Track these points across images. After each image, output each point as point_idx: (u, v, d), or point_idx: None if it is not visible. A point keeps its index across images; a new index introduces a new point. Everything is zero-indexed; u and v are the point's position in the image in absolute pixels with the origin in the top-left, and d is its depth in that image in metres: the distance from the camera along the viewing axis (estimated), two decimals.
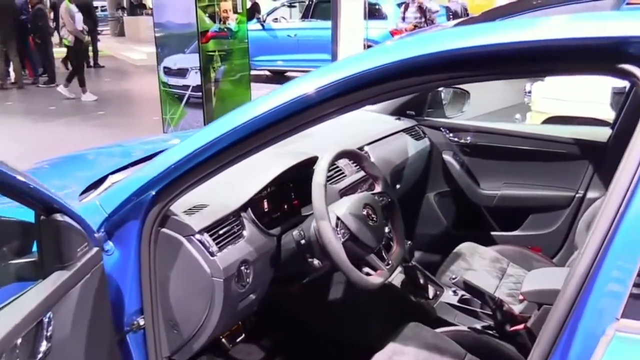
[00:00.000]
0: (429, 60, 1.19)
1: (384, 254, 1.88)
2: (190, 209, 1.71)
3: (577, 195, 2.75)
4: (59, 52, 12.56)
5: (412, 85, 1.28)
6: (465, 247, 2.62)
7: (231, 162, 1.49)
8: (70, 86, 10.41)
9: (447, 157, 2.98)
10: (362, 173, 2.29)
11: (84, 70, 10.54)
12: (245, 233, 1.77)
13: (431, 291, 2.25)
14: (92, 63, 14.16)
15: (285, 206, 2.08)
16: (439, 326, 2.06)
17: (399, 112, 3.02)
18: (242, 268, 1.71)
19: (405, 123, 2.95)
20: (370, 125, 2.79)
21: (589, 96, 4.58)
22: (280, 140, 1.45)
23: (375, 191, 2.01)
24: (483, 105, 3.13)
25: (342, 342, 2.32)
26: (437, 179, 3.04)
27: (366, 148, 2.53)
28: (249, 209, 1.82)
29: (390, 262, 1.88)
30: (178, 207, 1.68)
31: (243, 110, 1.45)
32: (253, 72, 12.34)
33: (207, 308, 1.67)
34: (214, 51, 6.90)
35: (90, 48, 13.63)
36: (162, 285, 1.71)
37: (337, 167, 2.28)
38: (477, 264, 2.52)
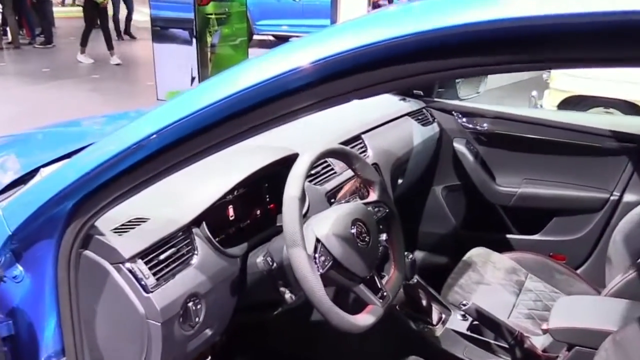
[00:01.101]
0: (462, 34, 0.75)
1: (377, 281, 1.49)
2: (121, 226, 1.32)
3: (611, 198, 2.35)
4: (60, 12, 12.04)
5: (432, 72, 0.83)
6: (476, 253, 2.24)
7: (176, 167, 1.09)
8: (88, 50, 9.91)
9: (459, 145, 2.56)
10: None
11: (90, 32, 9.92)
12: (195, 257, 1.38)
13: (435, 314, 1.87)
14: (122, 31, 12.96)
15: (258, 212, 1.68)
16: None
17: (404, 92, 2.59)
18: (190, 304, 1.33)
19: (412, 105, 2.53)
20: (369, 108, 2.36)
21: (620, 74, 4.11)
22: (242, 140, 1.05)
23: (369, 200, 1.60)
24: (493, 77, 2.69)
25: None
26: (446, 171, 2.63)
27: (363, 137, 2.11)
28: (204, 223, 1.42)
29: (384, 292, 1.49)
30: (106, 222, 1.29)
31: (193, 95, 1.04)
32: (257, 37, 11.92)
33: (143, 355, 1.29)
34: (211, 14, 6.49)
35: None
36: (88, 322, 1.33)
37: (326, 162, 1.87)
38: (490, 276, 2.13)
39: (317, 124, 2.06)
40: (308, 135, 1.85)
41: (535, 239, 2.50)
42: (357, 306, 1.44)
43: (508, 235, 2.54)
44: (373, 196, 1.61)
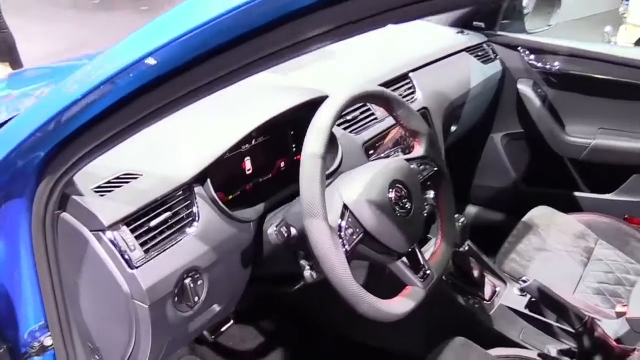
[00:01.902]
0: None
1: (419, 257, 1.22)
2: (106, 184, 1.08)
3: None
4: None
5: None
6: (539, 214, 1.94)
7: (160, 113, 0.84)
8: None
9: (524, 87, 2.21)
10: None
11: None
12: (196, 223, 1.14)
13: (489, 287, 1.60)
14: None
15: (282, 165, 1.42)
16: (495, 345, 1.43)
17: (462, 24, 2.24)
18: (188, 281, 1.10)
19: (471, 39, 2.18)
20: (419, 42, 2.04)
21: None
22: (246, 77, 0.78)
23: (413, 155, 1.31)
24: (564, 10, 2.31)
25: (357, 344, 1.73)
26: (508, 116, 2.29)
27: (412, 76, 1.80)
28: (209, 180, 1.17)
29: (428, 270, 1.22)
30: (88, 178, 1.06)
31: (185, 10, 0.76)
32: None
33: (132, 338, 1.08)
34: None
35: None
36: (72, 294, 1.12)
37: (366, 106, 1.58)
38: (554, 241, 1.84)
39: (355, 61, 1.76)
40: (344, 74, 1.55)
41: (609, 199, 2.17)
42: (394, 287, 1.18)
43: (577, 194, 2.22)
44: (419, 151, 1.33)
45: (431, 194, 1.36)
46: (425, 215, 1.48)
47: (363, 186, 1.13)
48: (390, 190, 1.16)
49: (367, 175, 1.17)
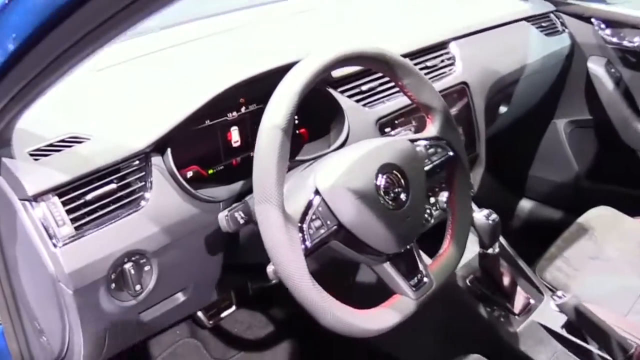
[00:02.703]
0: None
1: (416, 259, 1.00)
2: (46, 147, 0.93)
3: None
4: None
5: None
6: (599, 214, 1.66)
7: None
8: None
9: (596, 67, 1.89)
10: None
11: None
12: (145, 200, 0.96)
13: (520, 298, 1.35)
14: None
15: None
16: None
17: None
18: (128, 266, 0.93)
19: (535, 7, 1.88)
20: (469, 7, 1.76)
21: None
22: None
23: (422, 135, 1.08)
24: None
25: (362, 347, 1.52)
26: (574, 99, 1.98)
27: (452, 44, 1.54)
28: (169, 150, 0.99)
29: (425, 277, 1.00)
30: (29, 139, 0.92)
31: None
32: None
33: (66, 323, 0.94)
34: None
35: None
36: (14, 268, 0.99)
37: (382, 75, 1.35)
38: (614, 248, 1.55)
39: (378, 25, 1.54)
40: (358, 38, 1.33)
41: None
42: (378, 294, 0.97)
43: None
44: (430, 130, 1.09)
45: (443, 195, 1.14)
46: (434, 210, 1.25)
47: (344, 169, 0.92)
48: (380, 175, 0.94)
49: (352, 156, 0.95)
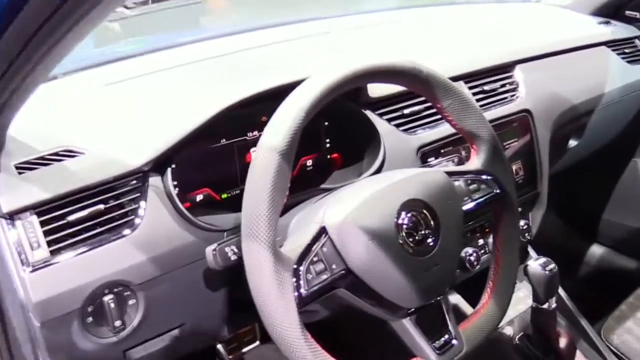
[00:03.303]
0: None
1: (445, 315, 0.84)
2: (35, 159, 0.84)
3: None
4: None
5: None
6: None
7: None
8: None
9: None
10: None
11: None
12: (138, 224, 0.85)
13: None
14: None
15: (309, 162, 1.11)
16: None
17: (610, 12, 1.73)
18: (108, 299, 0.82)
19: (617, 31, 1.68)
20: (540, 28, 1.59)
21: None
22: None
23: (463, 168, 0.93)
24: None
25: None
26: None
27: (518, 68, 1.37)
28: (169, 170, 0.88)
29: (453, 339, 0.84)
30: (22, 150, 0.85)
31: None
32: None
33: (39, 357, 0.83)
34: None
35: None
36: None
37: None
38: None
39: (434, 43, 1.40)
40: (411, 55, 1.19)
41: None
42: (400, 354, 0.82)
43: None
44: (474, 162, 0.93)
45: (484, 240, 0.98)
46: (482, 254, 1.09)
47: (359, 202, 0.78)
48: (403, 213, 0.79)
49: (372, 188, 0.81)
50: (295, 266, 0.72)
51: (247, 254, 0.69)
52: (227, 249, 0.82)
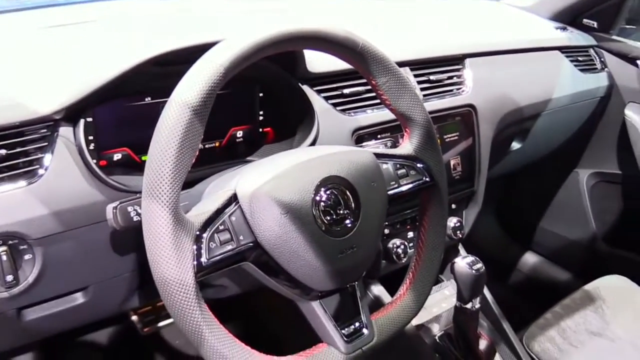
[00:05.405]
0: None
1: (358, 302, 0.79)
2: None
3: None
4: None
5: None
6: (612, 284, 1.45)
7: None
8: None
9: (634, 115, 1.66)
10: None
11: None
12: (39, 176, 0.79)
13: None
14: None
15: (239, 134, 1.05)
16: None
17: (568, 18, 1.71)
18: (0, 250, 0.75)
19: (572, 38, 1.66)
20: (496, 26, 1.56)
21: None
22: None
23: (395, 151, 0.88)
24: None
25: None
26: (604, 148, 1.75)
27: (468, 61, 1.33)
28: (82, 121, 0.81)
29: (364, 327, 0.79)
30: None
31: None
32: None
33: None
34: None
35: None
36: None
37: None
38: (621, 327, 1.32)
39: (396, 26, 1.35)
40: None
41: None
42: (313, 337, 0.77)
43: None
44: (405, 146, 0.88)
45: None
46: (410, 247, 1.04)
47: (276, 174, 0.72)
48: (322, 189, 0.73)
49: (292, 160, 0.75)
50: (197, 232, 0.65)
51: (145, 215, 0.63)
52: (129, 208, 0.75)
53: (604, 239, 1.77)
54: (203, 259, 0.66)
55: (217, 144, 1.04)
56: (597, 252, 1.76)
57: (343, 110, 1.08)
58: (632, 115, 1.65)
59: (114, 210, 0.76)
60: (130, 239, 0.87)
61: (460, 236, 1.29)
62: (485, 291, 1.27)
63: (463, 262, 1.02)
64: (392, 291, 1.25)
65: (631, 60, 1.66)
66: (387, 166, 0.85)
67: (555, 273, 1.79)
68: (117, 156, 0.92)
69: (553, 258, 1.81)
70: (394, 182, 0.86)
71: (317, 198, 0.73)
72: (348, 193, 0.76)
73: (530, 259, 1.85)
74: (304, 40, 0.76)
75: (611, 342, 1.26)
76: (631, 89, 1.66)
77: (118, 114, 0.90)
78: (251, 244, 0.70)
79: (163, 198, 0.62)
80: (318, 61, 1.05)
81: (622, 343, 1.26)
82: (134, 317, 1.39)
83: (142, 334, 1.45)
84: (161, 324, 1.43)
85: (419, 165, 0.88)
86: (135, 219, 0.76)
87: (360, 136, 1.09)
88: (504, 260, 1.84)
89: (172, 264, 0.62)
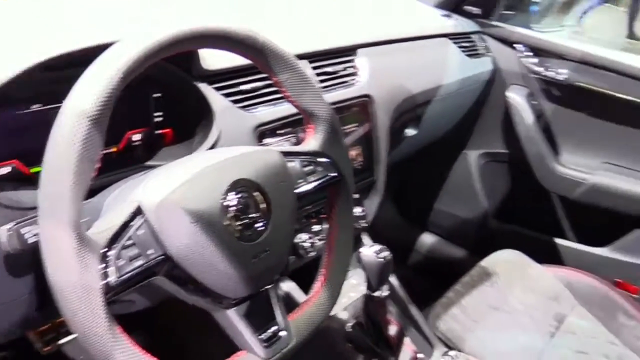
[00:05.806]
0: None
1: (273, 306, 0.78)
2: None
3: None
4: None
5: None
6: (505, 258, 1.51)
7: None
8: None
9: (516, 96, 1.75)
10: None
11: None
12: None
13: (407, 353, 1.16)
14: None
15: (137, 137, 0.99)
16: None
17: (451, 6, 1.78)
18: None
19: (458, 25, 1.73)
20: (385, 15, 1.58)
21: None
22: None
23: (299, 148, 0.87)
24: None
25: None
26: (490, 130, 1.84)
27: (359, 52, 1.34)
28: None
29: (281, 330, 0.79)
30: None
31: None
32: None
33: None
34: None
35: None
36: None
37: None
38: (517, 298, 1.40)
39: (285, 16, 1.33)
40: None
41: (600, 255, 1.73)
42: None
43: (559, 241, 1.78)
44: (310, 142, 0.88)
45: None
46: (318, 241, 1.05)
47: (182, 181, 0.69)
48: (230, 194, 0.71)
49: (197, 166, 0.72)
50: (103, 251, 0.61)
51: (44, 238, 0.58)
52: (24, 230, 0.69)
53: (494, 216, 1.88)
54: (111, 279, 0.61)
55: (114, 149, 0.98)
56: (489, 229, 1.86)
57: (243, 107, 1.06)
58: (513, 97, 1.75)
59: (10, 232, 0.70)
60: (26, 259, 0.81)
61: (365, 225, 1.31)
62: (392, 277, 1.30)
63: (370, 251, 1.04)
64: (302, 285, 1.26)
65: (510, 44, 1.75)
66: (294, 164, 0.84)
67: (454, 251, 1.87)
68: (5, 169, 0.85)
69: (450, 237, 1.89)
70: (301, 180, 0.85)
71: (227, 203, 0.71)
72: (257, 195, 0.75)
73: (428, 239, 1.92)
74: (206, 39, 0.73)
75: (508, 314, 1.34)
76: (512, 72, 1.75)
77: (2, 124, 0.82)
78: (161, 258, 0.66)
79: (63, 218, 0.58)
80: (214, 57, 1.01)
81: (517, 313, 1.34)
82: (32, 336, 1.30)
83: (43, 354, 1.37)
84: (62, 341, 1.35)
85: (325, 160, 0.88)
86: (30, 240, 0.70)
87: (262, 132, 1.07)
88: (405, 244, 1.90)
89: (78, 290, 0.58)
